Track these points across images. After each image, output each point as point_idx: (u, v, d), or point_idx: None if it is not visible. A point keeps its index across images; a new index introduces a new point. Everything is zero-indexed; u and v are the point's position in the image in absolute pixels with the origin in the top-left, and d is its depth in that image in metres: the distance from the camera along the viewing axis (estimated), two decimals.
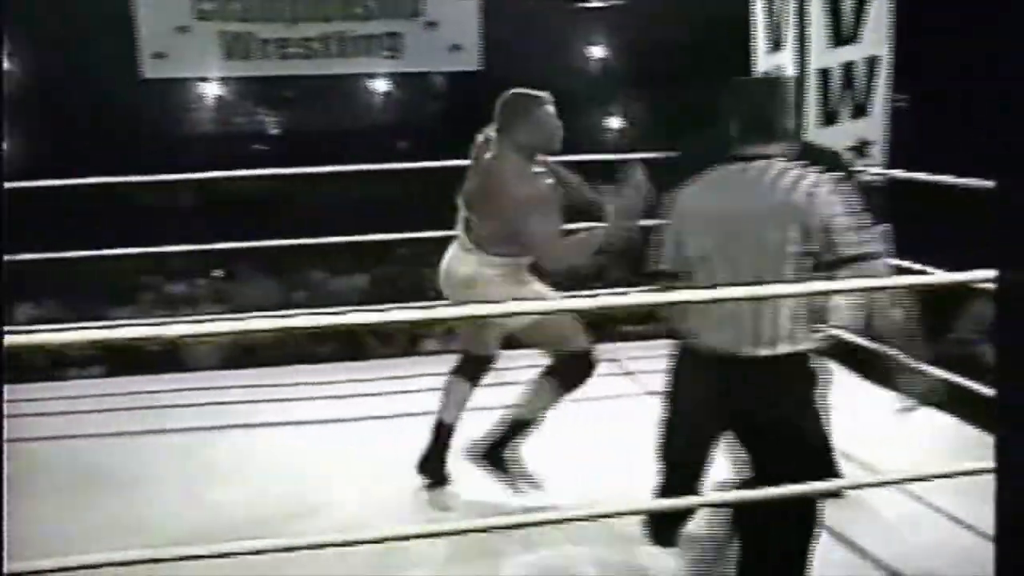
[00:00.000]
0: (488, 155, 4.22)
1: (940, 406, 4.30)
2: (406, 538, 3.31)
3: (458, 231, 4.29)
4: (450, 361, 4.56)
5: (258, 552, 2.90)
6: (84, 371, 7.54)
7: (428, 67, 8.76)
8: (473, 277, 4.12)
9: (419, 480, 4.27)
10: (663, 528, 3.38)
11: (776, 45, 6.44)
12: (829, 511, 3.21)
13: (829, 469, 3.39)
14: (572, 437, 4.58)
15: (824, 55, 6.23)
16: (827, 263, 2.97)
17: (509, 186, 4.01)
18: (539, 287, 4.23)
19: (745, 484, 3.07)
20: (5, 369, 2.29)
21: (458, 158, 7.73)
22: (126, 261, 9.06)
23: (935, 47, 7.20)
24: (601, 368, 5.48)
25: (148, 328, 3.99)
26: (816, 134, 6.24)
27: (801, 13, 6.21)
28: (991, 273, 1.75)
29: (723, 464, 3.24)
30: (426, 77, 11.59)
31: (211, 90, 11.11)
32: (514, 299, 3.92)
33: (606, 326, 7.71)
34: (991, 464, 1.70)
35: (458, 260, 4.22)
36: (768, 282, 2.92)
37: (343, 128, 12.12)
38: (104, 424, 5.07)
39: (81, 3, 8.29)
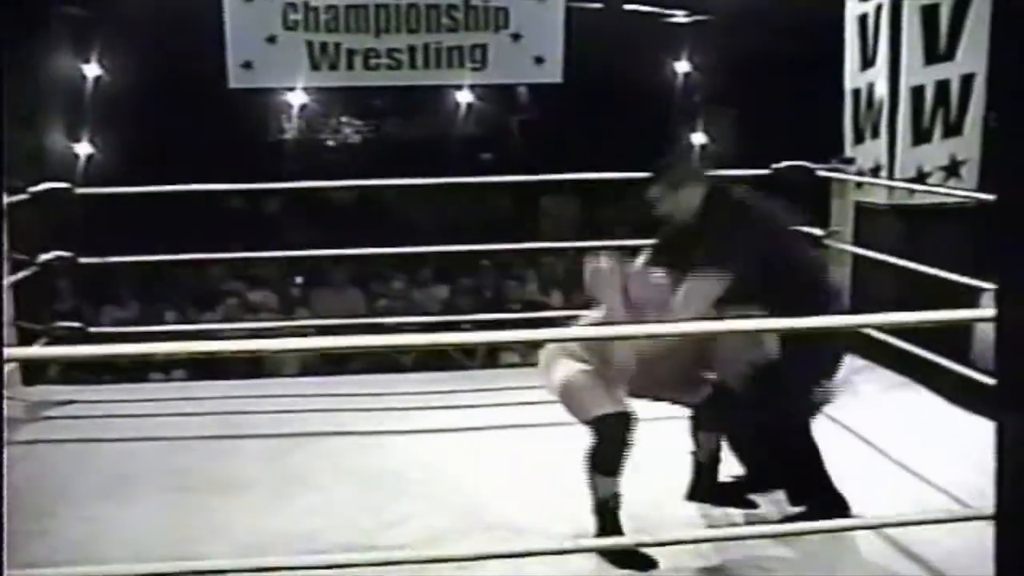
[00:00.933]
0: None
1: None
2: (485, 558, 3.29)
3: None
4: (527, 375, 4.52)
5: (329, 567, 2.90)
6: (168, 375, 7.64)
7: (512, 79, 8.75)
8: None
9: (492, 496, 4.24)
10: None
11: (868, 62, 6.34)
12: None
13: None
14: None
15: (918, 73, 6.11)
16: None
17: None
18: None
19: None
20: (4, 379, 2.30)
21: (537, 172, 7.80)
22: (210, 266, 9.22)
23: None
24: None
25: (156, 345, 3.95)
26: (907, 153, 6.13)
27: (895, 30, 6.10)
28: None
29: None
30: (509, 89, 11.60)
31: (297, 99, 11.20)
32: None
33: None
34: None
35: None
36: None
37: (427, 138, 12.18)
38: (189, 428, 5.11)
39: (173, 11, 8.41)
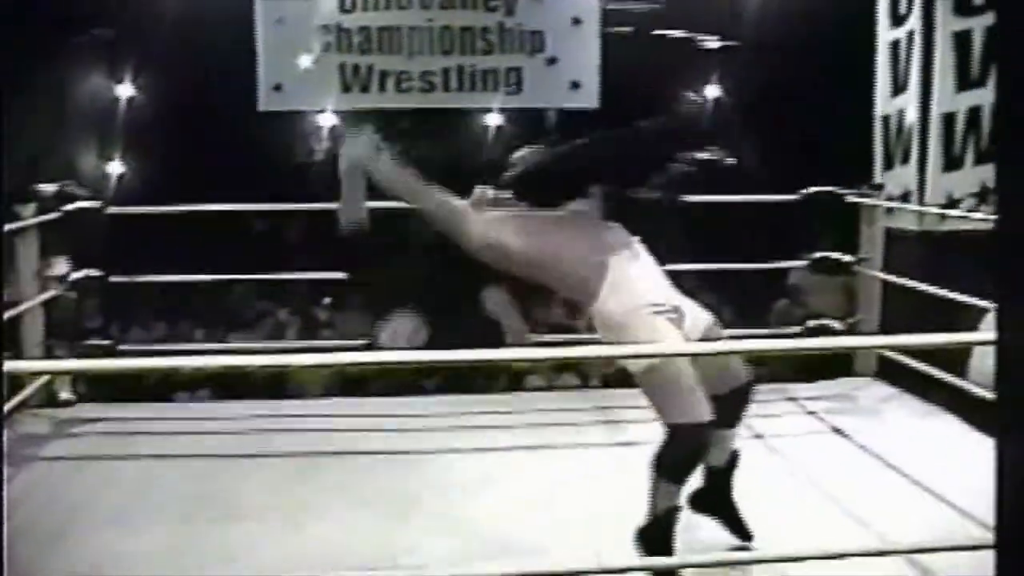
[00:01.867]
0: None
1: None
2: None
3: None
4: (551, 398, 4.49)
5: None
6: (194, 394, 7.65)
7: (547, 103, 8.70)
8: None
9: (503, 520, 4.21)
10: None
11: (900, 89, 6.30)
12: None
13: None
14: None
15: (949, 99, 6.06)
16: None
17: None
18: None
19: None
20: (4, 396, 2.30)
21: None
22: (238, 287, 9.24)
23: None
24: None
25: (156, 360, 3.95)
26: (937, 179, 6.09)
27: (927, 57, 6.07)
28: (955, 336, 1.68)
29: None
30: (543, 114, 11.58)
31: (327, 121, 11.23)
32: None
33: None
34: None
35: None
36: None
37: (460, 162, 12.18)
38: (210, 447, 5.11)
39: (205, 33, 8.47)
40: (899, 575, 3.59)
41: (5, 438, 4.13)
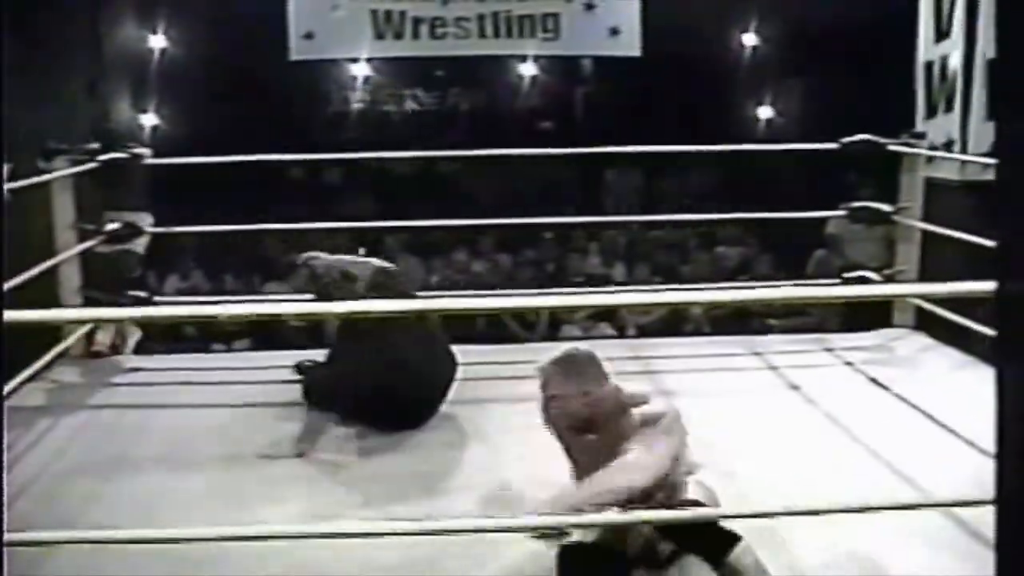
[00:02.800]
0: None
1: None
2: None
3: None
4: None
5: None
6: (230, 345, 7.69)
7: (586, 51, 8.58)
8: None
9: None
10: None
11: (943, 34, 6.18)
12: None
13: None
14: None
15: (995, 45, 5.94)
16: None
17: None
18: None
19: None
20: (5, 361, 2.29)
21: (610, 143, 7.71)
22: (272, 237, 9.26)
23: None
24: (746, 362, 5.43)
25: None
26: (981, 128, 5.98)
27: (971, 0, 5.94)
28: (990, 285, 1.62)
29: None
30: (574, 61, 11.47)
31: (360, 70, 11.18)
32: None
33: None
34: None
35: None
36: None
37: (494, 110, 12.11)
38: (249, 397, 5.13)
39: None
40: (936, 527, 3.57)
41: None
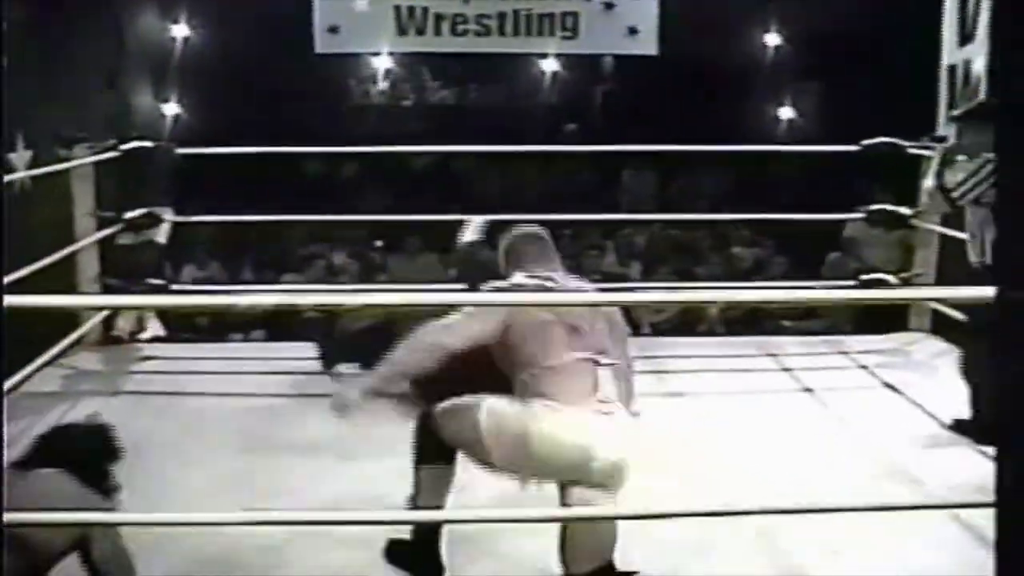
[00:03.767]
0: None
1: None
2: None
3: None
4: None
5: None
6: (247, 335, 7.71)
7: (605, 49, 8.62)
8: None
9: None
10: None
11: (967, 38, 6.16)
12: None
13: None
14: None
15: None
16: None
17: None
18: None
19: None
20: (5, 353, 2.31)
21: (625, 141, 7.71)
22: (292, 228, 9.28)
23: None
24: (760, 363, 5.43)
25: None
26: None
27: (996, 5, 5.91)
28: (990, 291, 1.62)
29: None
30: (595, 59, 11.47)
31: (382, 64, 11.20)
32: None
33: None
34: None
35: None
36: None
37: (513, 107, 12.11)
38: (264, 387, 5.15)
39: None
40: (946, 530, 3.56)
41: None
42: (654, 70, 9.14)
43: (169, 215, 6.11)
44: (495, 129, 10.00)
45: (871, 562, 3.45)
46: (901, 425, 4.73)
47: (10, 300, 2.30)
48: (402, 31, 7.78)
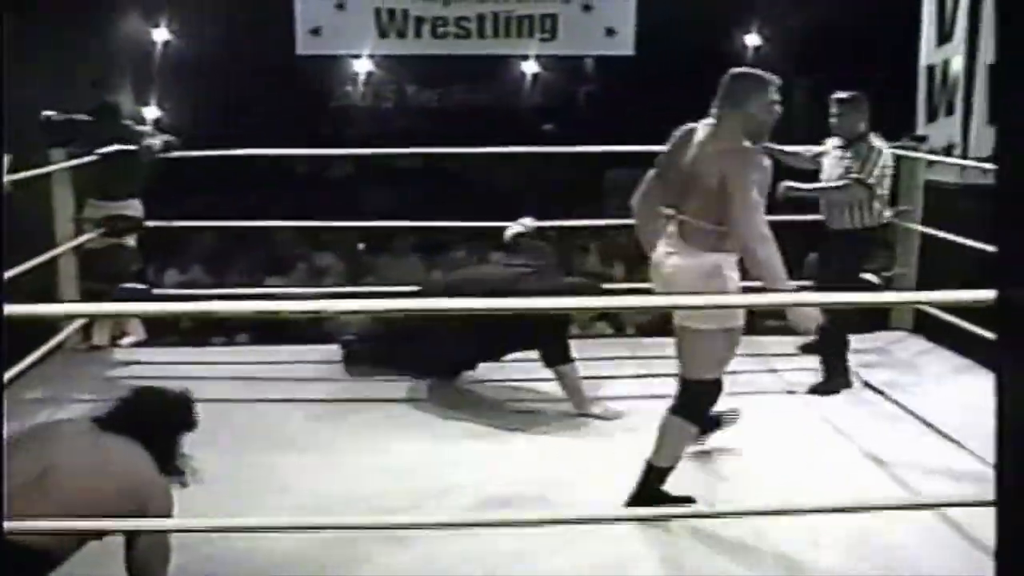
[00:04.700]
0: (702, 139, 3.78)
1: None
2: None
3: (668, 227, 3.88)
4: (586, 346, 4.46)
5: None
6: (231, 339, 7.67)
7: (583, 50, 8.68)
8: (675, 275, 3.74)
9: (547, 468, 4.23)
10: None
11: (945, 38, 6.20)
12: None
13: None
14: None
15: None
16: None
17: (736, 173, 3.59)
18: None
19: None
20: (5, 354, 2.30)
21: (607, 142, 7.72)
22: (275, 231, 9.27)
23: None
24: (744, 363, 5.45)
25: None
26: (982, 132, 6.01)
27: (974, 6, 5.96)
28: (990, 293, 1.64)
29: None
30: (575, 60, 11.51)
31: (364, 66, 11.20)
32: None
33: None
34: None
35: (663, 257, 3.82)
36: None
37: (494, 108, 12.12)
38: (247, 390, 5.15)
39: None
40: (929, 529, 3.58)
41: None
42: (634, 70, 9.17)
43: (138, 213, 6.04)
44: (478, 130, 10.00)
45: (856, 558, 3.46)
46: (882, 425, 4.74)
47: (10, 309, 2.29)
48: (383, 33, 7.79)
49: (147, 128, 6.23)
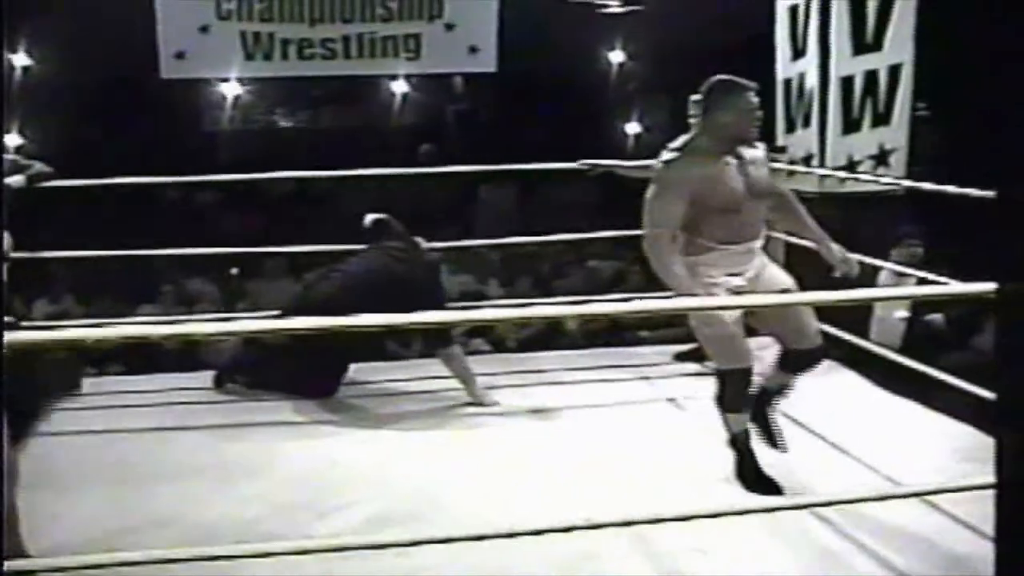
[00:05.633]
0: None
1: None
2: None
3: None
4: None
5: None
6: (103, 369, 7.52)
7: (446, 68, 8.78)
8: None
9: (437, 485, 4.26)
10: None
11: (799, 53, 6.42)
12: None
13: None
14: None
15: (847, 63, 6.21)
16: None
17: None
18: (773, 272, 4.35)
19: None
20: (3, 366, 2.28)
21: (474, 161, 7.80)
22: (144, 260, 9.11)
23: (960, 55, 7.18)
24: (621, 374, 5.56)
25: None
26: (837, 142, 6.23)
27: (824, 21, 6.19)
28: (991, 285, 1.73)
29: None
30: (445, 79, 11.59)
31: (231, 90, 11.10)
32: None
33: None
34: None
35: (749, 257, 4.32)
36: None
37: (363, 129, 12.13)
38: (125, 420, 5.07)
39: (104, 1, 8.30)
40: (801, 528, 3.70)
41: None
42: (501, 88, 9.29)
43: (7, 246, 5.90)
44: (349, 152, 9.99)
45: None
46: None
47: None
48: (249, 56, 7.74)
49: (17, 157, 6.06)
